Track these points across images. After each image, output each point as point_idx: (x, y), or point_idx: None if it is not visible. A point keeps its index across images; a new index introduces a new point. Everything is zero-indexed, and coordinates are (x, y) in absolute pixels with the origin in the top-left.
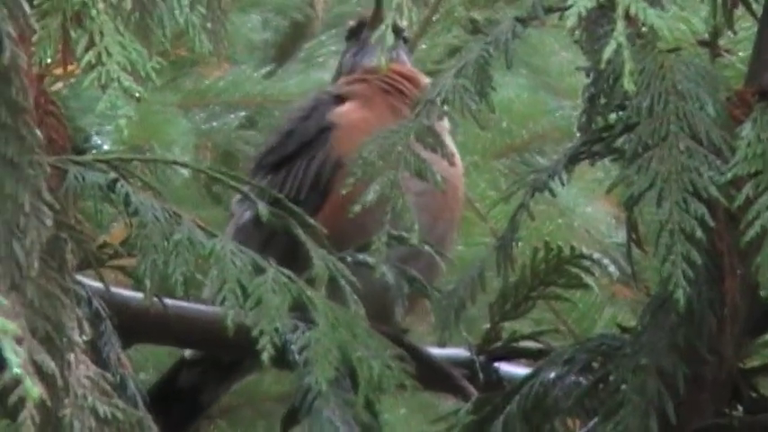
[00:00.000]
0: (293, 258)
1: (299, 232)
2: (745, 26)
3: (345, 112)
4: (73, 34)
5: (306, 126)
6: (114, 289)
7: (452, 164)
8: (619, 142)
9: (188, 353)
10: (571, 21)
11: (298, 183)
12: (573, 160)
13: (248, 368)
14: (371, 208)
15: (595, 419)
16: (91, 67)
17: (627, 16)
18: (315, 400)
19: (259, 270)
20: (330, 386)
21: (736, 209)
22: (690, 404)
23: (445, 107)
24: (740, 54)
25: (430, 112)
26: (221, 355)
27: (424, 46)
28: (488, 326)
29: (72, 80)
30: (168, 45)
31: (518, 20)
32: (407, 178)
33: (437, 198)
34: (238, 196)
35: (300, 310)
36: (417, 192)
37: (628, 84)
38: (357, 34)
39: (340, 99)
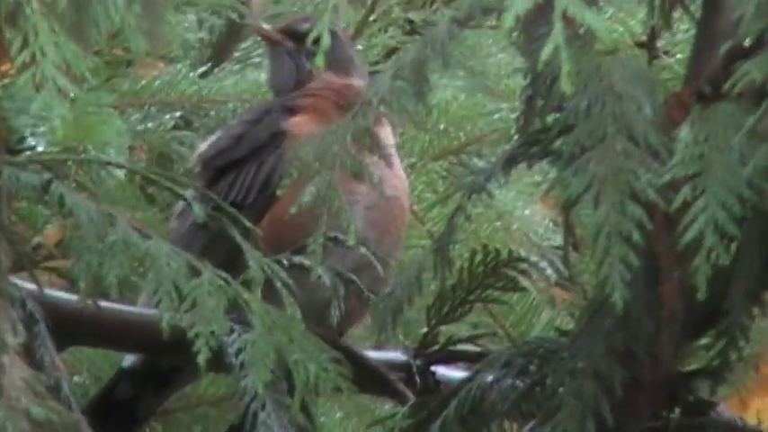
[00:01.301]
0: (234, 262)
1: (235, 234)
2: (683, 28)
3: (299, 122)
4: (7, 34)
5: (257, 131)
6: (49, 291)
7: (389, 164)
8: (556, 144)
9: (126, 363)
10: (508, 22)
11: (246, 186)
12: (510, 162)
13: (185, 378)
14: (314, 210)
15: (532, 423)
16: (25, 66)
17: (564, 18)
18: (251, 403)
19: (195, 272)
20: (266, 389)
21: (674, 211)
22: (627, 407)
23: (382, 108)
24: (678, 56)
25: (367, 114)
26: (157, 358)
27: (360, 47)
28: (425, 329)
29: (6, 80)
30: (103, 45)
31: (455, 21)
32: (357, 191)
33: (385, 213)
34: (181, 203)
35: (236, 312)
36: (367, 206)
37: (565, 85)
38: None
39: (292, 110)
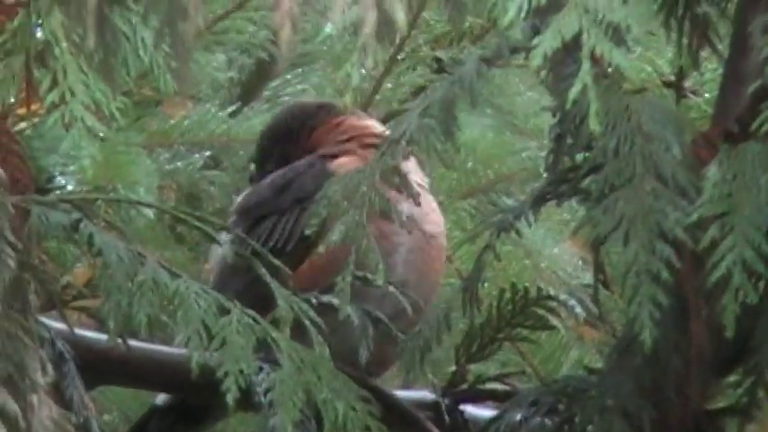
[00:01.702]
0: (272, 302)
1: (263, 273)
2: (711, 68)
3: (344, 162)
4: (36, 73)
5: (302, 181)
6: (78, 330)
7: (417, 204)
8: (585, 183)
9: (160, 400)
10: (536, 61)
11: (287, 234)
12: (539, 201)
13: (214, 418)
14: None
15: None
16: (54, 106)
17: (592, 57)
18: None
19: (224, 311)
20: (295, 428)
21: (702, 250)
22: None
23: (410, 147)
24: (706, 95)
25: (395, 152)
26: (186, 397)
27: (389, 85)
28: (454, 368)
29: (36, 120)
30: (132, 84)
31: (483, 59)
32: (399, 233)
33: (425, 255)
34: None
35: (265, 351)
36: (408, 248)
37: (593, 124)
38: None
39: (333, 156)
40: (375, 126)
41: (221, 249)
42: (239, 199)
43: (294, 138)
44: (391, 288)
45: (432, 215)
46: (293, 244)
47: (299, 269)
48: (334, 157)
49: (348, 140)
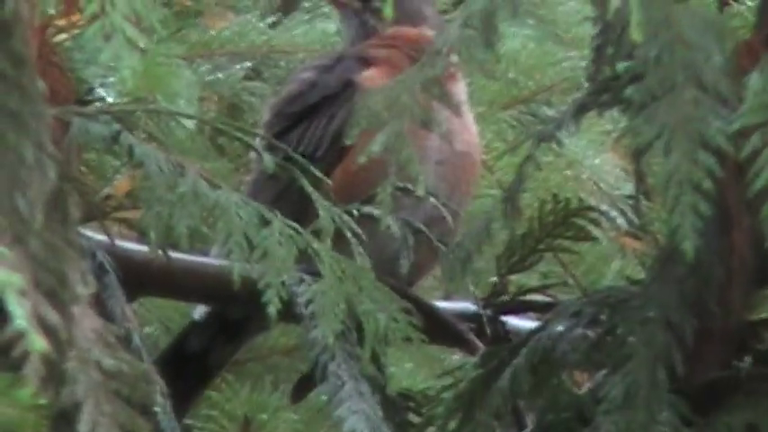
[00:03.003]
0: (305, 212)
1: (305, 184)
2: None
3: (371, 76)
4: None
5: (328, 79)
6: (119, 242)
7: (458, 114)
8: (626, 93)
9: (197, 314)
10: None
11: (316, 140)
12: (580, 111)
13: (256, 328)
14: (383, 162)
15: (603, 372)
16: (94, 17)
17: None
18: (322, 354)
19: (265, 222)
20: (337, 339)
21: (744, 159)
22: (698, 356)
23: (451, 57)
24: (749, 3)
25: (436, 63)
26: (227, 308)
27: None
28: (495, 279)
29: (75, 31)
30: None
31: None
32: (427, 146)
33: (456, 168)
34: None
35: (306, 262)
36: (438, 161)
37: (635, 34)
38: None
39: (365, 61)
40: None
41: (264, 160)
42: (272, 99)
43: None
44: (432, 199)
45: (464, 134)
46: (324, 150)
47: (335, 180)
48: (367, 63)
49: (392, 47)
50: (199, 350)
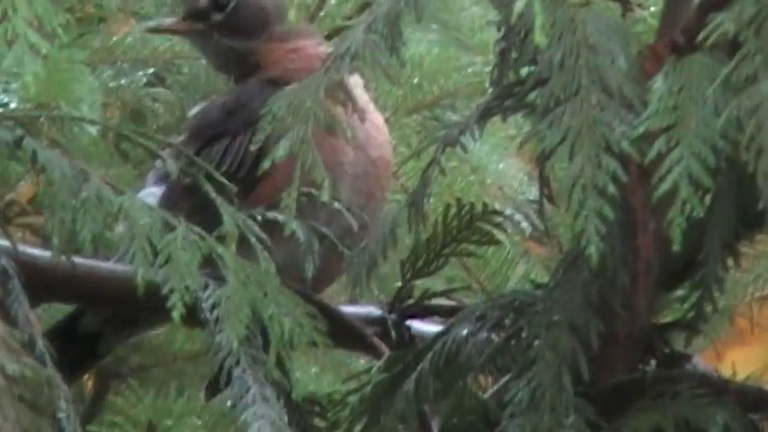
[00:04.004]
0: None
1: (209, 189)
2: None
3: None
4: None
5: (253, 106)
6: (22, 247)
7: (362, 119)
8: (531, 97)
9: None
10: None
11: (239, 159)
12: (485, 115)
13: (151, 322)
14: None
15: (508, 376)
16: None
17: None
18: (227, 359)
19: (169, 228)
20: (241, 344)
21: (649, 163)
22: (603, 360)
23: (355, 62)
24: (652, 9)
25: (340, 67)
26: (131, 313)
27: (333, 1)
28: (400, 283)
29: None
30: (75, 1)
31: None
32: (345, 161)
33: (370, 178)
34: (155, 167)
35: (211, 267)
36: (354, 174)
37: (539, 38)
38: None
39: (276, 82)
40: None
41: (167, 166)
42: (190, 117)
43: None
44: (336, 204)
45: (378, 138)
46: (246, 168)
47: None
48: (277, 83)
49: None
50: (90, 333)
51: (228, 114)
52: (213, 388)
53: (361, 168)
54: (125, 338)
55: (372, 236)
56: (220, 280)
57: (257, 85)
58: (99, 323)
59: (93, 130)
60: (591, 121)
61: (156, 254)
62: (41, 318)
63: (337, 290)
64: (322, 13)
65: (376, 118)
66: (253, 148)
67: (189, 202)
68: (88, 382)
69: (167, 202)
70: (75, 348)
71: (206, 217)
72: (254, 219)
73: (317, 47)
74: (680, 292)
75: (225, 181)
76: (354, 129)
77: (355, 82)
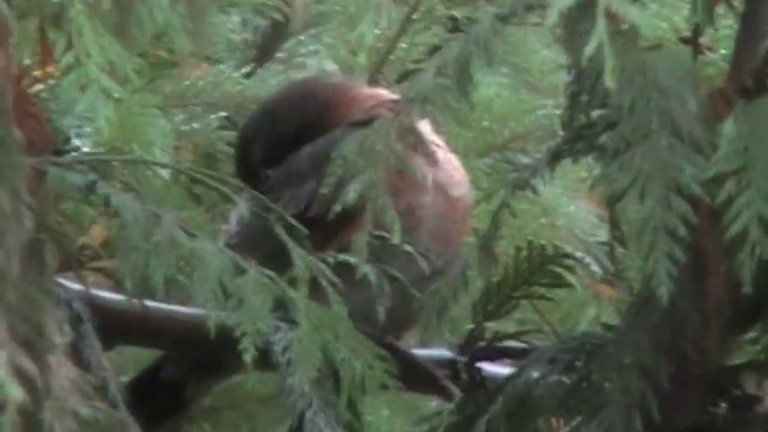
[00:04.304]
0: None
1: (280, 232)
2: (727, 24)
3: None
4: (51, 35)
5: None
6: (95, 291)
7: (435, 161)
8: (601, 140)
9: None
10: (552, 18)
11: (325, 206)
12: (555, 158)
13: (232, 368)
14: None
15: (579, 419)
16: (70, 68)
17: (608, 13)
18: (298, 402)
19: (240, 271)
20: (313, 387)
21: (719, 206)
22: (674, 402)
23: (425, 106)
24: (722, 51)
25: (410, 111)
26: (204, 356)
27: (403, 45)
28: (471, 326)
29: (51, 82)
30: (148, 46)
31: (498, 17)
32: (424, 204)
33: (448, 224)
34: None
35: (282, 310)
36: (433, 218)
37: (609, 81)
38: None
39: (361, 124)
40: (386, 92)
41: (239, 209)
42: (275, 174)
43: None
44: (408, 248)
45: (456, 176)
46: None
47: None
48: (367, 122)
49: (374, 107)
50: (175, 380)
51: (318, 164)
52: None
53: (440, 211)
54: (209, 386)
55: (443, 277)
56: (292, 323)
57: (342, 132)
58: (180, 371)
59: (165, 173)
60: (661, 163)
61: (227, 297)
62: (114, 361)
63: (409, 333)
64: (392, 57)
65: (452, 159)
66: (324, 190)
67: (264, 247)
68: None
69: (242, 247)
70: (159, 398)
71: (281, 262)
72: (326, 262)
73: (385, 91)
74: (751, 334)
75: (296, 224)
76: (431, 170)
77: (424, 127)
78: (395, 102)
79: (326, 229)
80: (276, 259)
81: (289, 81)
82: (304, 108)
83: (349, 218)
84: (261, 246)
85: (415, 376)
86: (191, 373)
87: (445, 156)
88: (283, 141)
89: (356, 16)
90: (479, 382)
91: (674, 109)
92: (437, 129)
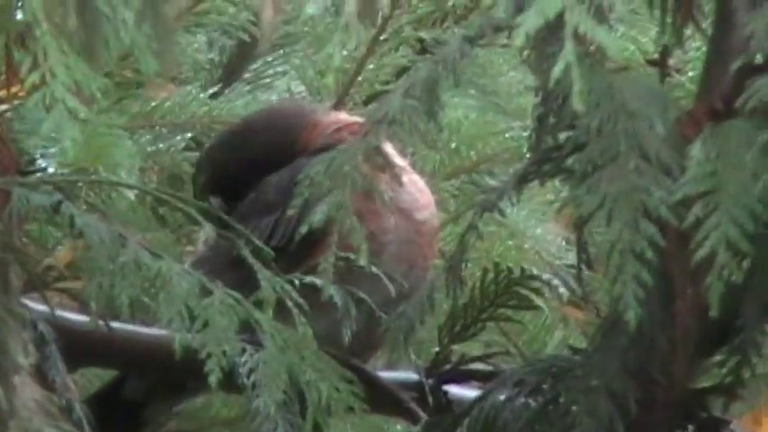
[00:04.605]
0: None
1: (247, 254)
2: (695, 46)
3: None
4: (17, 55)
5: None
6: (59, 312)
7: (400, 183)
8: (568, 162)
9: None
10: (519, 40)
11: (289, 233)
12: (522, 180)
13: (196, 389)
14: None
15: None
16: (35, 88)
17: (576, 35)
18: (264, 424)
19: (206, 292)
20: (279, 409)
21: (687, 229)
22: (641, 426)
23: (393, 127)
24: (690, 74)
25: (378, 133)
26: (168, 377)
27: (371, 66)
28: (438, 348)
29: (16, 102)
30: (113, 66)
31: (466, 39)
32: (389, 228)
33: (413, 248)
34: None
35: (249, 332)
36: (398, 242)
37: (577, 103)
38: None
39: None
40: (347, 116)
41: (204, 230)
42: (241, 206)
43: (275, 152)
44: (374, 269)
45: (421, 199)
46: (296, 245)
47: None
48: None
49: (336, 132)
50: (136, 398)
51: (284, 194)
52: None
53: (403, 236)
54: (171, 406)
55: (409, 300)
56: (258, 345)
57: (308, 161)
58: (143, 389)
59: (130, 194)
60: (629, 186)
61: (193, 318)
62: (78, 383)
63: (374, 354)
64: (360, 78)
65: (418, 181)
66: (290, 212)
67: (233, 273)
68: None
69: (211, 273)
70: (119, 416)
71: (251, 289)
72: (292, 284)
73: (346, 115)
74: (718, 357)
75: (262, 245)
76: (396, 193)
77: (389, 149)
78: (358, 124)
79: (291, 257)
80: (244, 283)
81: (254, 107)
82: (266, 134)
83: (313, 244)
84: (228, 271)
85: (381, 399)
86: (154, 391)
87: (410, 178)
88: (243, 167)
89: (324, 37)
90: (446, 405)
91: (642, 131)
92: (403, 151)
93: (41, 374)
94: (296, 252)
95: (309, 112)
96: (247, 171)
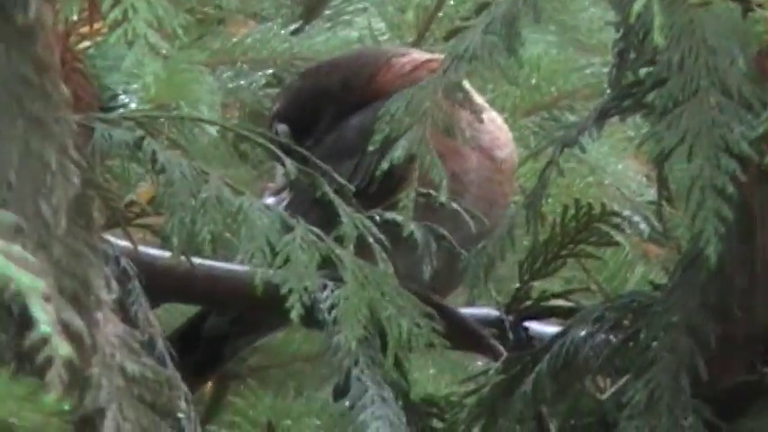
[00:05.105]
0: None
1: (328, 191)
2: None
3: None
4: None
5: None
6: (142, 248)
7: (481, 121)
8: (649, 98)
9: None
10: None
11: (370, 173)
12: (603, 116)
13: (275, 325)
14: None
15: (626, 378)
16: (117, 24)
17: None
18: (345, 360)
19: (287, 228)
20: (359, 345)
21: (767, 164)
22: (721, 361)
23: (473, 63)
24: None
25: (458, 68)
26: (250, 314)
27: (451, 2)
28: (518, 285)
29: (98, 38)
30: (195, 2)
31: None
32: (470, 168)
33: (494, 186)
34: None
35: (329, 268)
36: (478, 181)
37: (658, 38)
38: None
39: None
40: (419, 54)
41: (285, 166)
42: (322, 147)
43: (350, 91)
44: (455, 206)
45: (501, 137)
46: (376, 186)
47: None
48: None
49: (413, 71)
50: (218, 334)
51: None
52: (340, 390)
53: (485, 175)
54: (251, 342)
55: (489, 236)
56: (338, 281)
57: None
58: (225, 324)
59: (212, 130)
60: (710, 121)
61: (274, 254)
62: (161, 319)
63: (455, 292)
64: (440, 14)
65: (496, 118)
66: (371, 148)
67: (317, 213)
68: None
69: (295, 212)
70: (200, 352)
71: (332, 226)
72: (373, 220)
73: (418, 53)
74: None
75: (343, 181)
76: (476, 131)
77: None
78: (436, 61)
79: (372, 197)
80: (325, 220)
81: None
82: (343, 71)
83: (394, 182)
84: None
85: (462, 335)
86: (235, 326)
87: (489, 116)
88: (314, 97)
89: None
90: (526, 342)
91: (723, 66)
92: (481, 89)
93: (124, 310)
94: (377, 191)
95: (387, 53)
96: (318, 102)
